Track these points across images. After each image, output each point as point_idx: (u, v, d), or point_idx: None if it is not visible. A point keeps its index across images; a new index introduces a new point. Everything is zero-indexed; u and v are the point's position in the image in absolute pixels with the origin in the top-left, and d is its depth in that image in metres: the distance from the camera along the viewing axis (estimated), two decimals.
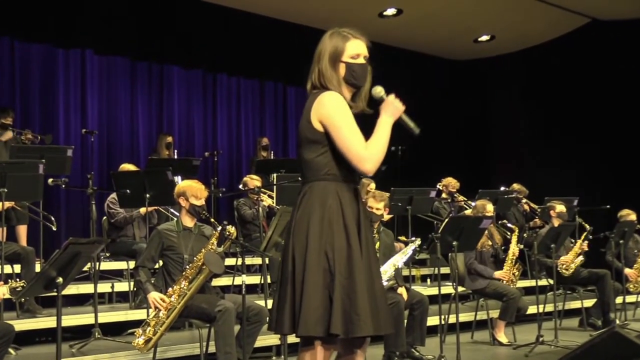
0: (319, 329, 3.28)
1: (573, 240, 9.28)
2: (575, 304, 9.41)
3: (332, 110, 3.35)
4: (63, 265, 4.50)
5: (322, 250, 3.31)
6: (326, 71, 3.44)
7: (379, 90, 3.52)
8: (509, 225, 8.37)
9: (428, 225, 10.07)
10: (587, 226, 9.18)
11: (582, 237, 9.00)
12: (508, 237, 8.22)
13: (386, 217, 7.62)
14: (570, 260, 8.80)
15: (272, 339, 6.73)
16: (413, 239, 7.31)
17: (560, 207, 9.07)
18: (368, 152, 3.33)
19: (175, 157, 10.19)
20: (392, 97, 3.48)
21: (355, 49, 3.48)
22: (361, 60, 3.48)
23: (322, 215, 3.34)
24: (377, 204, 6.79)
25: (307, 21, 11.35)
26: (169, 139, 10.25)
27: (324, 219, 3.34)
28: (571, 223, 9.20)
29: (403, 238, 7.67)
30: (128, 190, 7.08)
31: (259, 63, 12.20)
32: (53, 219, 7.62)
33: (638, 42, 12.44)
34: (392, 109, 3.45)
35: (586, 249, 8.90)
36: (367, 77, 3.50)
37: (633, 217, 9.70)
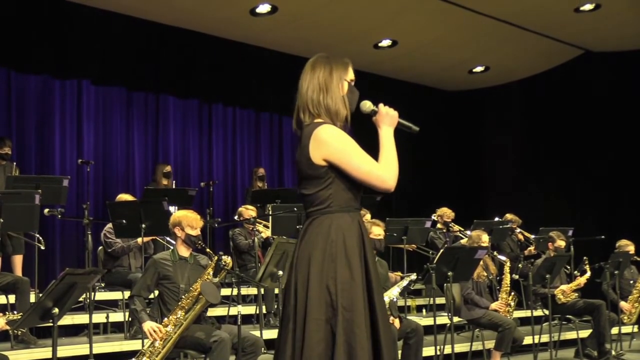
0: None
1: (568, 267, 9.27)
2: (571, 335, 9.38)
3: (335, 145, 3.29)
4: (59, 296, 4.50)
5: (323, 284, 3.26)
6: (330, 88, 3.37)
7: (368, 105, 3.46)
8: (500, 257, 8.40)
9: (423, 255, 10.08)
10: (589, 270, 9.13)
11: (585, 277, 9.00)
12: (504, 264, 8.23)
13: None
14: (569, 289, 8.81)
15: None
16: (408, 274, 7.32)
17: (561, 243, 9.08)
18: (386, 172, 3.31)
19: (174, 186, 10.19)
20: (383, 107, 3.44)
21: (352, 74, 3.47)
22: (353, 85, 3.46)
23: (324, 248, 3.29)
24: (381, 231, 6.84)
25: (303, 52, 11.42)
26: (167, 168, 10.24)
27: (325, 253, 3.28)
28: (566, 254, 9.21)
29: (399, 273, 7.69)
30: (124, 221, 7.09)
31: (254, 93, 12.28)
32: (42, 239, 7.59)
33: (630, 74, 12.55)
34: (389, 119, 3.42)
35: (584, 282, 8.95)
36: (356, 102, 3.45)
37: (631, 248, 9.72)
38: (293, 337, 3.29)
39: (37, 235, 7.55)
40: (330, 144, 3.30)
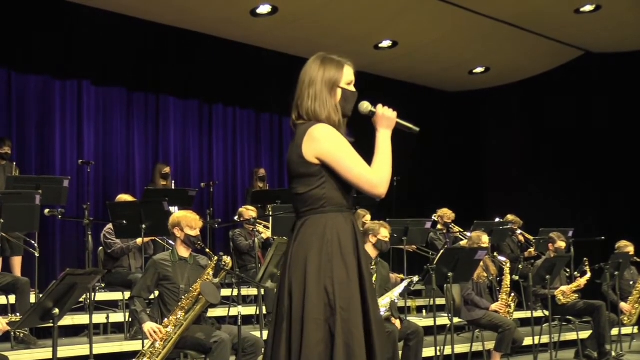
0: None
1: (568, 270, 9.26)
2: (571, 336, 9.38)
3: (329, 144, 3.26)
4: (60, 296, 4.49)
5: (321, 284, 3.23)
6: (321, 94, 3.33)
7: (366, 106, 3.40)
8: (500, 258, 8.40)
9: (423, 256, 10.08)
10: (589, 271, 9.12)
11: (585, 278, 9.00)
12: (503, 266, 8.23)
13: None
14: (569, 290, 8.81)
15: None
16: (410, 277, 7.32)
17: (561, 244, 9.08)
18: (378, 177, 3.27)
19: (173, 187, 10.17)
20: (381, 108, 3.39)
21: (350, 76, 3.41)
22: (352, 88, 3.41)
23: (320, 249, 3.26)
24: (387, 233, 6.85)
25: (303, 52, 11.40)
26: (166, 169, 10.23)
27: (322, 253, 3.26)
28: (566, 255, 9.21)
29: (401, 276, 7.70)
30: (124, 221, 7.08)
31: (254, 94, 12.28)
32: (36, 245, 7.58)
33: (630, 75, 12.55)
34: (386, 120, 3.37)
35: (584, 283, 8.95)
36: (353, 106, 3.41)
37: (630, 249, 9.72)
38: (288, 338, 3.26)
39: (35, 243, 7.54)
40: (323, 142, 3.27)
